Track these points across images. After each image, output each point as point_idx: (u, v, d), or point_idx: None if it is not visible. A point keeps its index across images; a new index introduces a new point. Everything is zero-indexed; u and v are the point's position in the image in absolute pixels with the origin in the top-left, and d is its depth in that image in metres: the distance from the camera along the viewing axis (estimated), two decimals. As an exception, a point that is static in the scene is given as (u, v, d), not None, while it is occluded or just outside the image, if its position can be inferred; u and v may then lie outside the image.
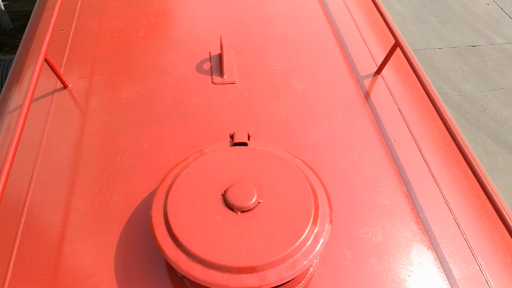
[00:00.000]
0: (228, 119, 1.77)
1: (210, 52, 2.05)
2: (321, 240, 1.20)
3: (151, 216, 1.25)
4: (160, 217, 1.24)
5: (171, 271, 1.31)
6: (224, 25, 2.28)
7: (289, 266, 1.14)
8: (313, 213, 1.24)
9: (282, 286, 1.19)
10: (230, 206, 1.24)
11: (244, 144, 1.46)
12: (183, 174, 1.33)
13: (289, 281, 1.16)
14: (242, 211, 1.23)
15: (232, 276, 1.12)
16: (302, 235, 1.19)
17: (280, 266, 1.14)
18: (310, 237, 1.19)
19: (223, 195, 1.27)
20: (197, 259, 1.14)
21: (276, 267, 1.14)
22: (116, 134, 1.71)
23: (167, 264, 1.32)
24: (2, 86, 3.40)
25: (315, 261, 1.33)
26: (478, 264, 1.40)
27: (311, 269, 1.32)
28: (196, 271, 1.12)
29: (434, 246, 1.43)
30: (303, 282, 1.29)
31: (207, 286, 1.12)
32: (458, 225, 1.50)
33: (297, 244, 1.17)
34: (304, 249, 1.17)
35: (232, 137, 1.48)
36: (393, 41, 1.93)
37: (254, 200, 1.25)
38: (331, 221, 1.26)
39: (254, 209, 1.24)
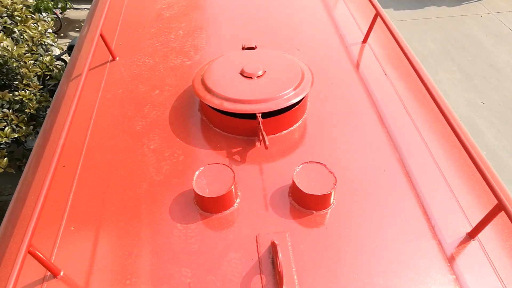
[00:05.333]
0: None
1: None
2: (306, 90, 1.79)
3: (193, 80, 1.88)
4: (198, 81, 1.84)
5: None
6: None
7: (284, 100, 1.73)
8: (300, 77, 1.85)
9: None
10: (246, 75, 1.84)
11: (253, 48, 2.06)
12: (212, 64, 1.92)
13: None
14: (254, 77, 1.82)
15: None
16: (293, 86, 1.79)
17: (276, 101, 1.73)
18: (298, 88, 1.79)
19: (241, 71, 1.86)
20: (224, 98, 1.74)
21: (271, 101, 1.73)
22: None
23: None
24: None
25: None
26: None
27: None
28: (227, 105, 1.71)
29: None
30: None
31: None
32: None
33: (290, 89, 1.77)
34: (293, 92, 1.77)
35: (243, 47, 2.07)
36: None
37: (261, 72, 1.84)
38: (311, 85, 1.83)
39: (262, 76, 1.83)
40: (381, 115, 1.91)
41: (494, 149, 5.42)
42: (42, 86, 3.16)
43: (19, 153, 3.45)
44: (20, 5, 3.20)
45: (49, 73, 3.38)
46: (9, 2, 3.10)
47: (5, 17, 3.10)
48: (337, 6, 2.65)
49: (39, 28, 3.33)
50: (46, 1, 4.04)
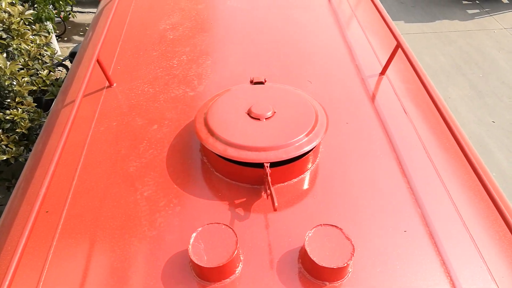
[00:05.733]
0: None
1: None
2: (320, 136, 1.61)
3: (195, 120, 1.69)
4: (201, 120, 1.66)
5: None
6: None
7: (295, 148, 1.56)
8: (314, 120, 1.66)
9: None
10: (253, 116, 1.65)
11: (262, 83, 1.85)
12: (216, 101, 1.73)
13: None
14: (262, 119, 1.64)
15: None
16: (306, 131, 1.60)
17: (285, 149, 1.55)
18: (311, 133, 1.61)
19: (248, 111, 1.68)
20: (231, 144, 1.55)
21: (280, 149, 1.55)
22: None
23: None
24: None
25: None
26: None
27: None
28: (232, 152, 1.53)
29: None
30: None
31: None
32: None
33: (302, 135, 1.59)
34: (306, 139, 1.59)
35: (251, 81, 1.87)
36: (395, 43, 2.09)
37: (270, 113, 1.66)
38: (325, 131, 1.65)
39: (272, 118, 1.65)
40: (401, 161, 1.73)
41: (504, 170, 5.22)
42: (36, 104, 3.00)
43: (8, 172, 3.30)
44: (18, 19, 3.05)
45: (45, 87, 3.22)
46: (6, 16, 2.95)
47: (1, 31, 2.95)
48: (353, 33, 2.48)
49: (38, 41, 3.17)
50: (47, 11, 3.89)
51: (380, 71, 2.21)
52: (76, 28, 8.28)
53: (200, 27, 2.52)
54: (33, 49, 3.04)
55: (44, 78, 3.25)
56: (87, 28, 8.34)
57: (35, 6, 3.92)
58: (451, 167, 1.74)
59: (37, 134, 3.11)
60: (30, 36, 3.29)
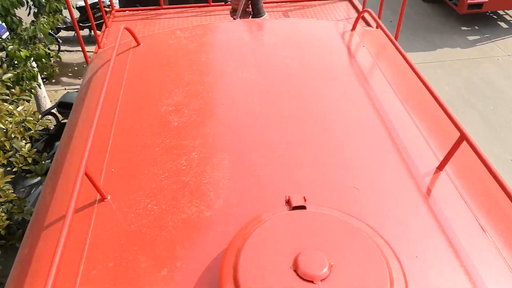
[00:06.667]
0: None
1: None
2: None
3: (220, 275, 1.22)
4: (229, 277, 1.20)
5: None
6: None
7: None
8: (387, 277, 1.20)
9: None
10: (303, 276, 1.20)
11: (303, 207, 1.40)
12: (247, 245, 1.27)
13: None
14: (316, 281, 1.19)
15: None
16: None
17: None
18: None
19: (294, 266, 1.23)
20: None
21: None
22: None
23: None
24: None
25: None
26: None
27: None
28: None
29: None
30: None
31: None
32: None
33: None
34: None
35: (288, 202, 1.42)
36: (454, 134, 1.76)
37: (326, 269, 1.21)
38: None
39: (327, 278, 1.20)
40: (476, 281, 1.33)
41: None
42: (16, 196, 2.55)
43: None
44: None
45: (26, 167, 2.77)
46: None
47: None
48: (397, 116, 2.09)
49: (17, 114, 2.74)
50: (28, 70, 3.47)
51: (436, 164, 1.82)
52: (64, 68, 7.87)
53: (210, 109, 2.11)
54: (11, 127, 2.61)
55: (26, 156, 2.81)
56: (75, 68, 7.92)
57: (15, 65, 3.50)
58: None
59: (23, 233, 2.63)
60: (9, 107, 2.86)
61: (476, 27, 8.72)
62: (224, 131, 1.97)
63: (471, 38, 8.41)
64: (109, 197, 1.71)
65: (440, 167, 1.81)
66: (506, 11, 9.11)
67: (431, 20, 9.04)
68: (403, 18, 9.00)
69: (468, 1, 7.93)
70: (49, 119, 6.42)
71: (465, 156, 1.88)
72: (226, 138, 1.94)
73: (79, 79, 7.71)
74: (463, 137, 1.69)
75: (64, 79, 7.76)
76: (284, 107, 2.10)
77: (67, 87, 7.42)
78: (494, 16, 9.05)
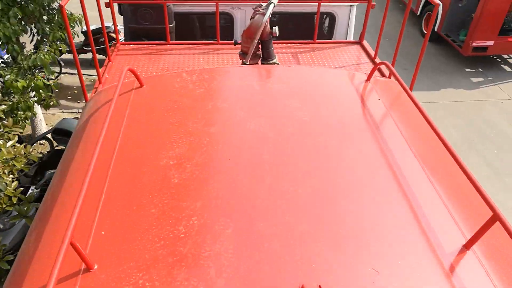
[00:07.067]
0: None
1: None
2: None
3: None
4: None
5: None
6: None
7: None
8: None
9: None
10: None
11: None
12: None
13: None
14: None
15: None
16: None
17: None
18: None
19: None
20: None
21: None
22: None
23: None
24: None
25: None
26: None
27: None
28: None
29: None
30: None
31: None
32: None
33: None
34: None
35: None
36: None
37: None
38: None
39: None
40: None
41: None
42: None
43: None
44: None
45: (10, 208, 2.58)
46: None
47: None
48: (423, 191, 1.92)
49: (4, 153, 2.57)
50: (26, 101, 3.33)
51: (463, 243, 1.64)
52: (64, 91, 7.76)
53: (214, 165, 1.93)
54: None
55: (11, 195, 2.61)
56: (75, 91, 7.81)
57: (11, 95, 3.36)
58: None
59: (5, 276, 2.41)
60: (-1, 142, 2.69)
61: (480, 69, 8.75)
62: (229, 192, 1.80)
63: (475, 80, 8.42)
64: (96, 267, 1.51)
65: (467, 246, 1.63)
66: (510, 55, 9.18)
67: (436, 60, 9.08)
68: (408, 56, 9.02)
69: (473, 44, 7.98)
70: (43, 144, 6.24)
71: (493, 234, 1.71)
72: (230, 201, 1.76)
73: (78, 102, 7.58)
74: (496, 218, 1.53)
75: (62, 101, 7.63)
76: (297, 168, 1.93)
77: (64, 110, 7.27)
78: (498, 59, 9.11)
